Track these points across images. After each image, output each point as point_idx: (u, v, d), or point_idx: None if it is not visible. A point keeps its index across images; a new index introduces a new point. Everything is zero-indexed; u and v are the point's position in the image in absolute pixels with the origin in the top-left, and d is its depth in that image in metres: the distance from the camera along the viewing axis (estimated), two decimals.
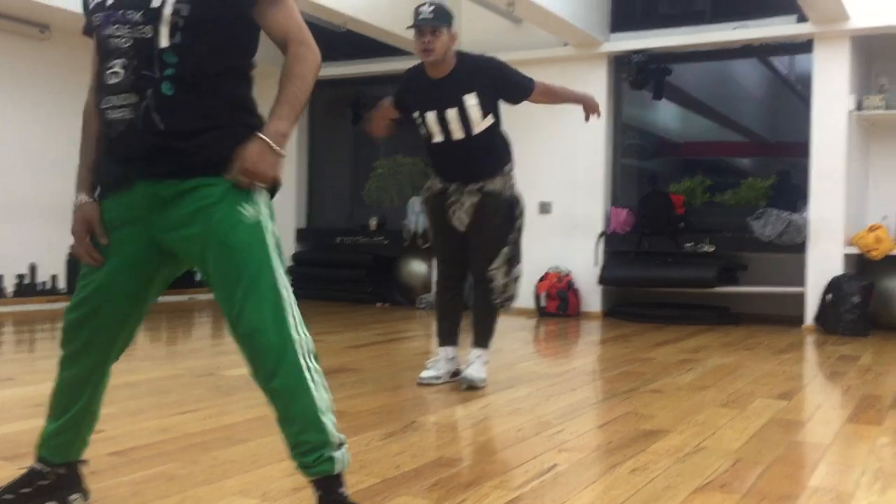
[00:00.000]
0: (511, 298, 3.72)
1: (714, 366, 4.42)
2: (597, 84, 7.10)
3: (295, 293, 1.79)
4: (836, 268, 6.11)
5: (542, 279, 7.05)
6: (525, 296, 7.14)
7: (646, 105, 7.91)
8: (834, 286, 5.96)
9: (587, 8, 6.63)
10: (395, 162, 8.39)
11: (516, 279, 3.73)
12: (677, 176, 7.64)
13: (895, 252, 5.97)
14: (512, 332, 5.88)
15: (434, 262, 3.96)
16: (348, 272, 8.03)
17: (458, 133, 3.56)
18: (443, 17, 3.50)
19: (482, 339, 3.74)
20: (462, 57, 3.62)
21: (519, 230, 3.72)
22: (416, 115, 3.64)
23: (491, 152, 3.65)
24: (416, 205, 7.78)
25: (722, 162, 10.11)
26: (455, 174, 3.67)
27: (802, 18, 6.20)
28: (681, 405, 3.35)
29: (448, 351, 3.78)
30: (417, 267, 7.84)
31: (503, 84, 3.63)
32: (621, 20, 7.01)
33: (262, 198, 1.76)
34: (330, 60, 8.08)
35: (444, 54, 3.52)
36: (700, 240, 6.68)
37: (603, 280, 6.91)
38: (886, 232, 6.04)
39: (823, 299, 6.03)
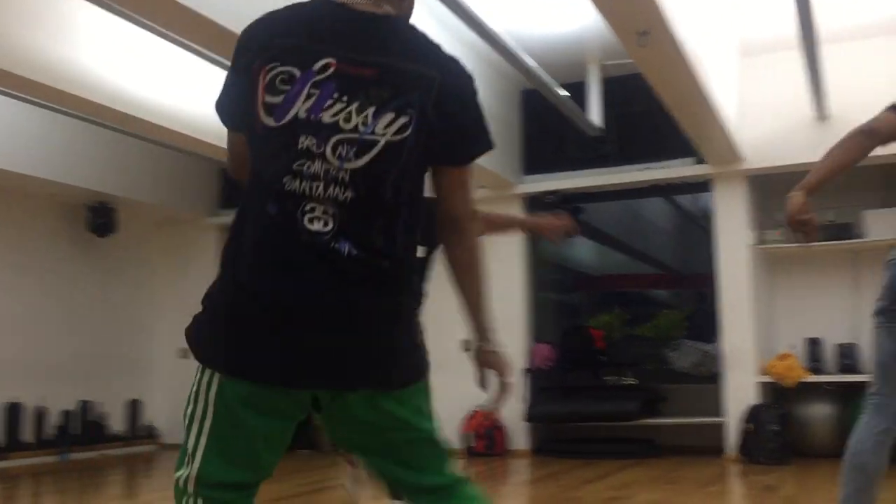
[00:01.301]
0: None
1: (642, 503, 4.39)
2: None
3: None
4: (752, 396, 6.25)
5: (469, 418, 6.98)
6: (452, 436, 7.07)
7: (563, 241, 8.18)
8: (752, 415, 6.08)
9: (500, 152, 6.92)
10: None
11: None
12: (597, 309, 7.82)
13: (807, 379, 6.17)
14: None
15: None
16: None
17: None
18: None
19: None
20: None
21: None
22: None
23: None
24: None
25: (639, 295, 10.41)
26: None
27: (701, 160, 6.60)
28: None
29: None
30: None
31: None
32: (533, 163, 7.34)
33: None
34: None
35: None
36: (622, 373, 6.78)
37: (528, 417, 6.89)
38: (797, 360, 6.25)
39: (744, 428, 6.13)
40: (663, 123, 5.91)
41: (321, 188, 1.48)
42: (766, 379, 6.28)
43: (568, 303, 9.26)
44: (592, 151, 6.99)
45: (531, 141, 7.38)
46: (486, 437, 6.86)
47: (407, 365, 1.59)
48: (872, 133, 2.49)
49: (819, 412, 6.22)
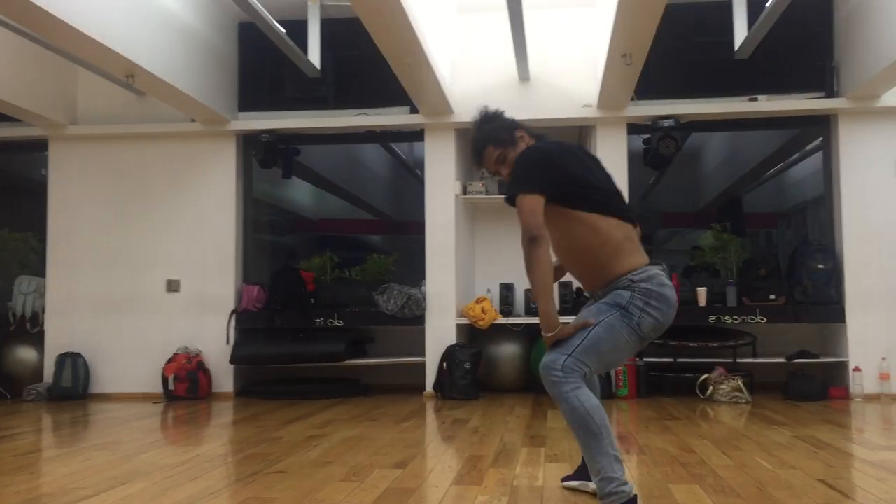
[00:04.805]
0: None
1: (340, 439, 4.52)
2: (226, 160, 7.10)
3: None
4: (451, 337, 6.66)
5: (170, 361, 6.72)
6: (152, 379, 6.77)
7: (279, 182, 8.05)
8: (448, 354, 6.49)
9: (213, 86, 6.62)
10: (1, 237, 7.53)
11: None
12: (311, 252, 7.84)
13: (499, 321, 6.68)
14: (134, 421, 5.49)
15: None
16: None
17: None
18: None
19: None
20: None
21: None
22: None
23: None
24: (23, 284, 7.04)
25: (353, 239, 10.60)
26: None
27: (415, 110, 6.79)
28: (303, 484, 3.36)
29: None
30: (24, 354, 7.04)
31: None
32: (249, 100, 7.11)
33: None
34: None
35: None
36: (330, 315, 6.88)
37: (234, 359, 6.79)
38: (490, 303, 6.74)
39: (441, 367, 6.52)
40: (381, 70, 5.98)
41: None
42: (464, 321, 6.72)
43: (283, 245, 9.19)
44: (310, 93, 6.92)
45: (248, 77, 7.14)
46: (189, 380, 6.66)
47: None
48: (537, 239, 2.77)
49: (507, 351, 6.79)
